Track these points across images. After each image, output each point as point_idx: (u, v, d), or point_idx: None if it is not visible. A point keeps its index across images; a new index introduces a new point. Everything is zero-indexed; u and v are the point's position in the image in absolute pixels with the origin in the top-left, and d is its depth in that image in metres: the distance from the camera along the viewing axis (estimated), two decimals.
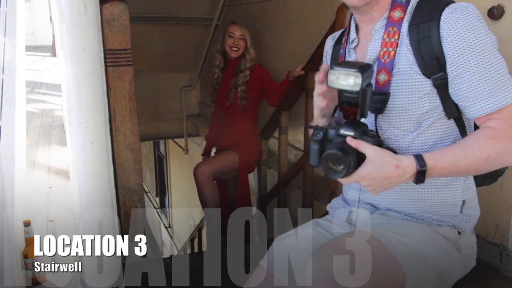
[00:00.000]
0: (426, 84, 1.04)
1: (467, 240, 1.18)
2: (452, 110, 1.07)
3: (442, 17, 1.01)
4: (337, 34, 1.31)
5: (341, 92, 1.02)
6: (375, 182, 0.99)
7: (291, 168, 3.08)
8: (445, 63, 1.02)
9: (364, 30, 1.15)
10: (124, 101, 2.08)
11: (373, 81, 1.06)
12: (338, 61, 1.20)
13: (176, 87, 5.25)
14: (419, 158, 1.00)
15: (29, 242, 1.45)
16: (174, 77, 5.19)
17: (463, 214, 1.15)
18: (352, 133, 1.01)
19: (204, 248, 4.61)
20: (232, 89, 3.09)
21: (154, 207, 9.80)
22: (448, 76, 1.02)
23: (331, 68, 1.00)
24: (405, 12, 1.07)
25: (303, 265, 1.07)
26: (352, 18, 1.19)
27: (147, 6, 4.13)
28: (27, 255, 1.44)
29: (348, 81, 0.98)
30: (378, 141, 1.03)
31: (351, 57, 1.17)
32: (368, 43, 1.13)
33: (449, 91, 1.04)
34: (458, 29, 0.99)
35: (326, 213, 1.37)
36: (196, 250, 4.93)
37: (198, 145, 5.38)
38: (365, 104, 1.02)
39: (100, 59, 0.88)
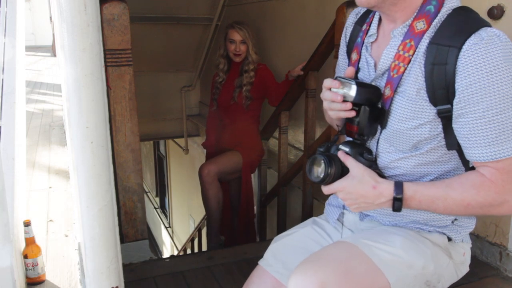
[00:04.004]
0: (430, 113, 0.98)
1: (458, 246, 1.16)
2: (453, 143, 1.01)
3: (464, 47, 0.91)
4: (361, 10, 1.21)
5: None
6: (350, 197, 1.02)
7: (291, 168, 3.08)
8: (453, 97, 0.94)
9: (385, 28, 1.09)
10: (124, 101, 2.09)
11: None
12: (353, 47, 1.17)
13: (176, 87, 5.25)
14: (398, 185, 0.99)
15: (29, 242, 1.45)
16: (174, 77, 5.19)
17: (454, 225, 1.13)
18: (347, 149, 1.06)
19: (204, 248, 4.61)
20: (237, 88, 3.09)
21: (154, 207, 9.80)
22: (453, 112, 0.96)
23: (335, 78, 1.05)
24: (429, 25, 0.98)
25: (295, 265, 1.06)
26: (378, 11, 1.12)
27: (147, 6, 4.13)
28: (27, 255, 1.44)
29: (344, 89, 1.01)
30: (371, 165, 1.05)
31: (367, 52, 1.11)
32: (385, 44, 1.07)
33: (453, 125, 0.98)
34: (476, 67, 0.90)
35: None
36: (196, 250, 4.93)
37: (198, 145, 5.38)
38: (364, 124, 1.04)
39: (100, 59, 0.88)
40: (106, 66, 1.92)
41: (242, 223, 3.31)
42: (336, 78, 1.04)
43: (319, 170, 1.04)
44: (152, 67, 4.75)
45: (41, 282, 1.49)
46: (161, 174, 9.20)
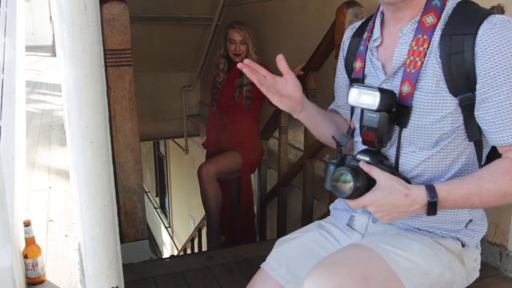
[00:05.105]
0: (451, 103, 0.98)
1: (471, 252, 1.14)
2: (475, 133, 1.01)
3: (479, 33, 0.92)
4: (357, 24, 1.24)
5: (361, 115, 1.05)
6: (382, 209, 0.97)
7: (291, 168, 3.08)
8: (475, 83, 0.95)
9: (391, 29, 1.08)
10: (124, 101, 2.09)
11: (396, 92, 1.03)
12: (356, 56, 1.17)
13: (176, 87, 5.25)
14: (430, 188, 0.95)
15: (29, 242, 1.45)
16: (174, 77, 5.19)
17: (467, 229, 1.12)
18: (367, 159, 1.02)
19: (204, 248, 4.60)
20: (237, 88, 3.08)
21: (154, 207, 9.80)
22: (476, 98, 0.96)
23: (352, 86, 1.03)
24: (438, 18, 0.99)
25: (304, 269, 1.04)
26: (378, 14, 1.12)
27: (147, 6, 4.13)
28: (27, 255, 1.44)
29: (367, 99, 0.99)
30: (392, 172, 1.02)
31: (373, 56, 1.11)
32: (393, 45, 1.06)
33: (475, 113, 0.98)
34: (495, 49, 0.91)
35: (327, 213, 1.35)
36: (196, 250, 4.93)
37: (198, 145, 5.38)
38: (384, 131, 1.02)
39: (100, 59, 0.88)
40: (106, 66, 1.92)
41: (242, 223, 3.31)
42: (353, 86, 1.03)
43: (347, 185, 0.96)
44: (152, 67, 4.75)
45: (41, 282, 1.49)
46: (161, 174, 9.20)
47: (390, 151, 1.09)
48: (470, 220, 1.12)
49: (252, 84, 3.03)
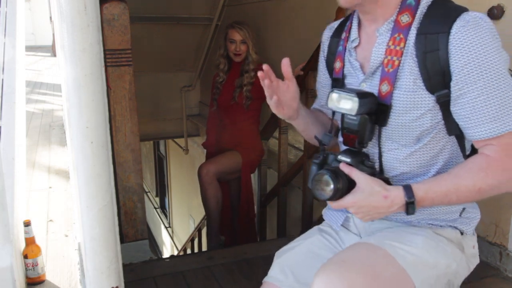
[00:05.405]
0: (429, 101, 1.00)
1: (469, 239, 1.16)
2: (455, 128, 1.02)
3: (452, 31, 0.94)
4: (335, 24, 1.25)
5: (342, 118, 1.07)
6: (362, 211, 1.00)
7: (291, 168, 3.08)
8: (450, 80, 0.96)
9: (368, 30, 1.10)
10: (124, 101, 2.09)
11: (375, 92, 1.04)
12: (336, 57, 1.18)
13: (176, 87, 5.25)
14: (407, 189, 0.98)
15: (29, 242, 1.45)
16: (174, 77, 5.20)
17: (462, 218, 1.14)
18: (348, 160, 1.04)
19: (204, 248, 4.61)
20: (237, 88, 3.08)
21: (154, 207, 9.80)
22: (451, 94, 0.98)
23: (332, 91, 1.04)
24: (413, 17, 1.00)
25: (312, 275, 1.02)
26: (355, 14, 1.13)
27: (147, 6, 4.13)
28: (27, 255, 1.44)
29: (346, 104, 1.01)
30: (373, 172, 1.04)
31: (352, 56, 1.12)
32: (371, 45, 1.08)
33: (451, 109, 1.00)
34: (468, 47, 0.93)
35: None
36: (196, 250, 4.93)
37: (198, 145, 5.38)
38: (364, 133, 1.03)
39: (100, 59, 0.88)
40: (106, 66, 1.92)
41: (242, 223, 3.31)
42: (333, 91, 1.04)
43: (327, 188, 0.99)
44: (152, 67, 4.75)
45: (41, 282, 1.49)
46: (161, 174, 9.21)
47: (372, 150, 1.10)
48: (464, 209, 1.13)
49: (252, 84, 3.03)
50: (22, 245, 1.47)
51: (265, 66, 1.07)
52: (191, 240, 5.11)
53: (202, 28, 4.60)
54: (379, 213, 1.00)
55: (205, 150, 3.51)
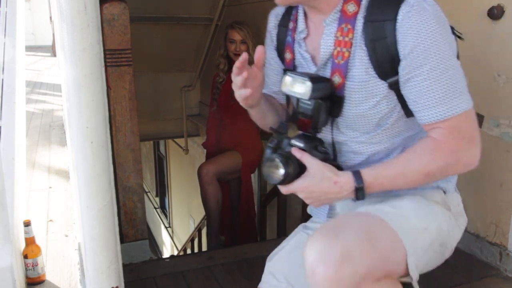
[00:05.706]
0: (383, 88, 1.00)
1: (452, 198, 1.15)
2: (410, 110, 1.02)
3: (398, 18, 0.94)
4: (280, 11, 1.21)
5: (297, 102, 1.05)
6: (312, 196, 1.00)
7: None
8: (399, 65, 0.97)
9: (314, 21, 1.07)
10: (124, 101, 2.09)
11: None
12: (285, 46, 1.15)
13: (176, 87, 5.25)
14: (357, 175, 0.98)
15: (29, 242, 1.45)
16: (174, 77, 5.19)
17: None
18: (301, 145, 1.03)
19: (204, 248, 4.61)
20: None
21: (154, 207, 9.80)
22: (400, 79, 0.98)
23: (285, 73, 1.03)
24: (359, 6, 0.99)
25: (303, 275, 0.99)
26: (300, 5, 1.10)
27: (147, 6, 4.13)
28: (27, 255, 1.44)
29: (299, 88, 1.00)
30: (326, 158, 1.03)
31: (302, 48, 1.10)
32: (319, 36, 1.05)
33: (402, 92, 1.00)
34: (414, 32, 0.93)
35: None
36: (196, 250, 4.93)
37: (198, 145, 5.38)
38: (318, 118, 1.02)
39: (100, 59, 0.88)
40: (106, 66, 1.92)
41: (242, 223, 3.31)
42: (286, 74, 1.02)
43: (278, 172, 0.99)
44: (152, 67, 4.75)
45: (41, 282, 1.49)
46: (161, 174, 9.20)
47: (328, 136, 1.09)
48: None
49: None
50: (22, 245, 1.47)
51: (244, 55, 1.01)
52: (191, 240, 5.11)
53: (202, 28, 4.59)
54: (328, 199, 1.00)
55: (205, 150, 3.51)
